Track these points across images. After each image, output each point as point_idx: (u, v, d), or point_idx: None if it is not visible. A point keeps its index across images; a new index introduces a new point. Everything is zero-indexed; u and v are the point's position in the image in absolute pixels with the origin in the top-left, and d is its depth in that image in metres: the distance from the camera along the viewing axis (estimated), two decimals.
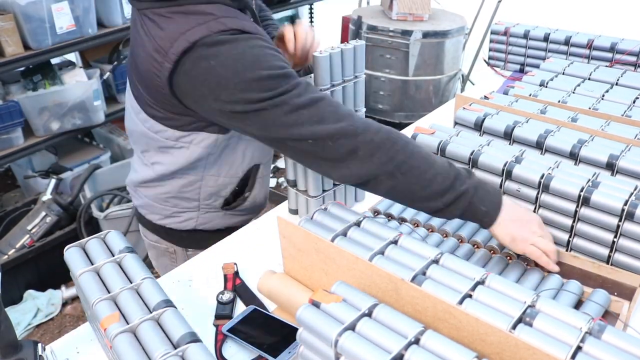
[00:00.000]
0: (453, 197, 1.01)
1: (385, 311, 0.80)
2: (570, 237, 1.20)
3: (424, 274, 0.92)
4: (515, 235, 1.05)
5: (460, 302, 0.85)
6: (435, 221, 1.26)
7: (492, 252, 1.15)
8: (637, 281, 1.06)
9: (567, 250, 1.22)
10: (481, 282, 0.89)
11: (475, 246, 1.18)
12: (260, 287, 1.10)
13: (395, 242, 0.99)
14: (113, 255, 0.98)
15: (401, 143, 1.02)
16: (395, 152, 1.01)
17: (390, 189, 1.03)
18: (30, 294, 2.54)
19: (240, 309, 1.11)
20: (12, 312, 2.43)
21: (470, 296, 0.86)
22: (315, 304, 0.82)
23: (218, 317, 1.08)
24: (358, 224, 1.04)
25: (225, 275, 1.17)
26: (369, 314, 0.80)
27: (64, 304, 2.57)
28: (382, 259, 0.96)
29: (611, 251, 1.15)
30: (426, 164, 1.01)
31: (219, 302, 1.10)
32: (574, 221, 1.18)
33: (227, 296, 1.11)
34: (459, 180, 1.02)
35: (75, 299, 2.59)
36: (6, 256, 2.47)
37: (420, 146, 1.07)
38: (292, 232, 1.05)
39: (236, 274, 1.18)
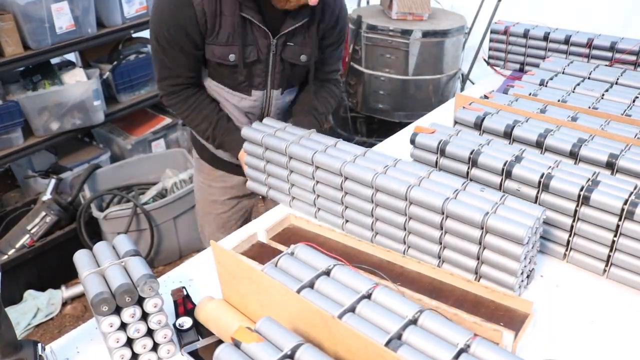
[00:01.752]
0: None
1: (308, 353, 0.77)
2: (570, 236, 1.20)
3: (354, 310, 0.89)
4: None
5: (388, 343, 0.82)
6: None
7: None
8: (529, 308, 1.04)
9: (567, 249, 1.22)
10: (413, 321, 0.87)
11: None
12: (197, 314, 1.06)
13: (327, 272, 0.97)
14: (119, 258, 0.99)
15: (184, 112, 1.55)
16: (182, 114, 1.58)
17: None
18: (30, 294, 2.53)
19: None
20: (12, 312, 2.42)
21: (400, 336, 0.84)
22: (237, 343, 0.79)
23: (186, 344, 1.02)
24: (292, 253, 1.03)
25: (175, 302, 1.09)
26: (290, 356, 0.77)
27: (64, 304, 2.56)
28: (312, 292, 0.92)
29: (611, 250, 1.15)
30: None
31: (180, 330, 1.04)
32: (573, 220, 1.18)
33: (188, 322, 1.05)
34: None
35: (75, 298, 2.59)
36: (6, 256, 2.47)
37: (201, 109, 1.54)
38: (226, 258, 1.01)
39: (187, 297, 1.10)
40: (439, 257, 1.19)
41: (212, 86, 1.55)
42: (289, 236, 1.28)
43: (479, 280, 1.14)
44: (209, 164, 1.74)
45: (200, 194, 1.83)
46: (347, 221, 1.34)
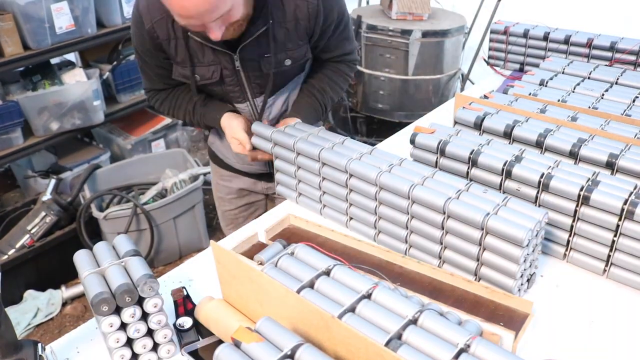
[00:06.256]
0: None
1: (308, 353, 0.77)
2: (570, 236, 1.20)
3: (354, 310, 0.89)
4: None
5: (388, 343, 0.82)
6: None
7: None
8: (529, 308, 1.04)
9: (567, 249, 1.22)
10: (414, 321, 0.86)
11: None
12: (197, 314, 1.05)
13: (327, 272, 0.97)
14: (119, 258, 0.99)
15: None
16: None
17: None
18: (30, 294, 2.54)
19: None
20: (12, 312, 2.43)
21: (400, 336, 0.84)
22: (237, 343, 0.79)
23: (186, 344, 1.02)
24: (292, 252, 1.03)
25: (175, 302, 1.08)
26: (290, 356, 0.77)
27: (64, 304, 2.57)
28: (312, 292, 0.93)
29: (611, 250, 1.15)
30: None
31: (180, 330, 1.03)
32: (573, 220, 1.18)
33: (188, 322, 1.04)
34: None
35: (75, 299, 2.59)
36: (6, 256, 2.47)
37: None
38: (226, 258, 1.01)
39: (187, 297, 1.09)
40: (440, 258, 1.19)
41: None
42: (289, 236, 1.28)
43: (478, 282, 1.13)
44: (214, 162, 1.77)
45: (213, 189, 1.87)
46: (351, 218, 1.34)
